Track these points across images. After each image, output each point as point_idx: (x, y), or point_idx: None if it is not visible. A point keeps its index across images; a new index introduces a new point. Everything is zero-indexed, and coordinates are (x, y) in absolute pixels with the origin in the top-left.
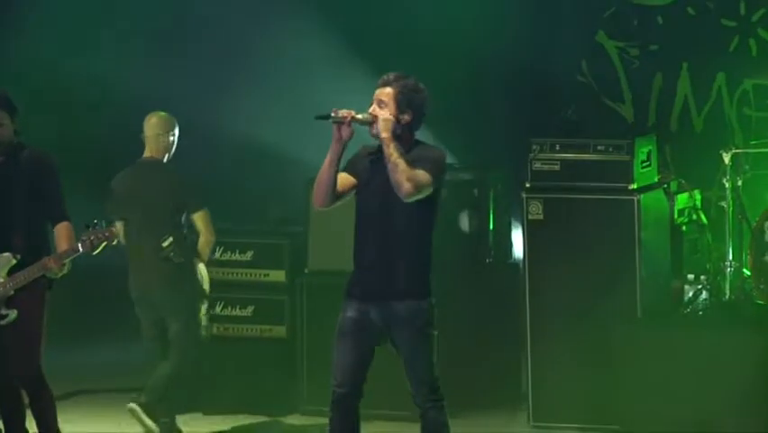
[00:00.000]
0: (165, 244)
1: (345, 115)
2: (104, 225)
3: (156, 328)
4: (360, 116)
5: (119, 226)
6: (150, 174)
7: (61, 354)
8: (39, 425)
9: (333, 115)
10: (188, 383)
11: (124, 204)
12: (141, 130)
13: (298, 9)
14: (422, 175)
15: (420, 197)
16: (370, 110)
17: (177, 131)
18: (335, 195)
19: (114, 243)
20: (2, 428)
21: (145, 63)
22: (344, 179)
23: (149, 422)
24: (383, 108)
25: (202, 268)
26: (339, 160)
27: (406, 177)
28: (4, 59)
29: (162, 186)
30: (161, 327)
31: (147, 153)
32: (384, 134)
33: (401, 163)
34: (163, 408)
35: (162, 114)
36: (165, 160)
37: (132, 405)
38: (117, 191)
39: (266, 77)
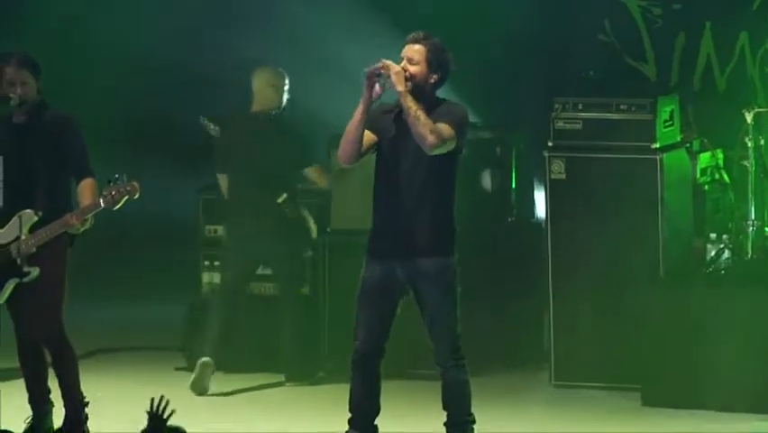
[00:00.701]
0: (280, 200)
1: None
2: (125, 179)
3: (240, 282)
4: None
5: (223, 180)
6: (261, 128)
7: (84, 311)
8: (61, 383)
9: (379, 69)
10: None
11: (231, 157)
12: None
13: None
14: (445, 128)
15: (444, 150)
16: (402, 65)
17: (287, 84)
18: (361, 152)
19: (136, 197)
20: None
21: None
22: (366, 136)
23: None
24: (414, 65)
25: (308, 216)
26: (366, 116)
27: (429, 129)
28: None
29: (275, 140)
30: (245, 281)
31: (256, 107)
32: (400, 87)
33: (422, 116)
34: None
35: (272, 68)
36: (274, 113)
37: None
38: (222, 144)
39: (291, 36)
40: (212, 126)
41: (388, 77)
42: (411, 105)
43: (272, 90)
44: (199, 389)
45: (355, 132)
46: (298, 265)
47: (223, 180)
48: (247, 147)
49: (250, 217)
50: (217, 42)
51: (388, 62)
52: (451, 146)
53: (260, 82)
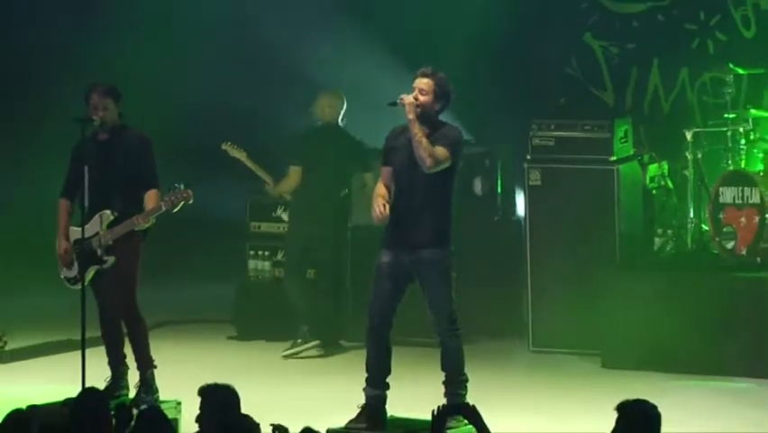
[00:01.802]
0: (342, 194)
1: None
2: (182, 187)
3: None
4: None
5: (295, 170)
6: (333, 136)
7: (153, 291)
8: (134, 349)
9: (399, 101)
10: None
11: (309, 156)
12: None
13: None
14: (441, 151)
15: (439, 169)
16: (414, 95)
17: (345, 103)
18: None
19: (191, 202)
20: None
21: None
22: (387, 172)
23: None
24: (424, 95)
25: None
26: None
27: (428, 153)
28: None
29: (344, 146)
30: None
31: (326, 120)
32: (410, 116)
33: (423, 141)
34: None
35: (333, 90)
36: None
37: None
38: (304, 145)
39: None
40: (236, 148)
41: (403, 106)
42: (417, 131)
43: (333, 108)
44: None
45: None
46: (342, 252)
47: (295, 172)
48: (323, 151)
49: (318, 207)
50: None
51: (404, 96)
52: (446, 165)
53: (323, 101)
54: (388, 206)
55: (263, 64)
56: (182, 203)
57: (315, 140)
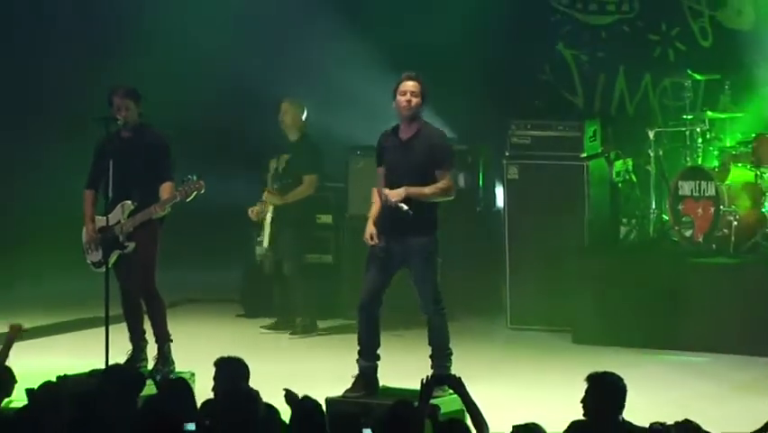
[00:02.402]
0: None
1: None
2: (195, 178)
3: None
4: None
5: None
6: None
7: (171, 273)
8: (152, 326)
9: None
10: None
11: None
12: None
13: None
14: (447, 182)
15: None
16: (405, 99)
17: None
18: None
19: (203, 192)
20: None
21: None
22: (382, 174)
23: None
24: (415, 97)
25: None
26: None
27: (442, 195)
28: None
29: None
30: None
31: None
32: (402, 197)
33: (434, 191)
34: None
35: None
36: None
37: None
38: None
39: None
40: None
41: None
42: (421, 194)
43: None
44: None
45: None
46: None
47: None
48: None
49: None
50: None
51: (387, 193)
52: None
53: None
54: (375, 236)
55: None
56: (195, 193)
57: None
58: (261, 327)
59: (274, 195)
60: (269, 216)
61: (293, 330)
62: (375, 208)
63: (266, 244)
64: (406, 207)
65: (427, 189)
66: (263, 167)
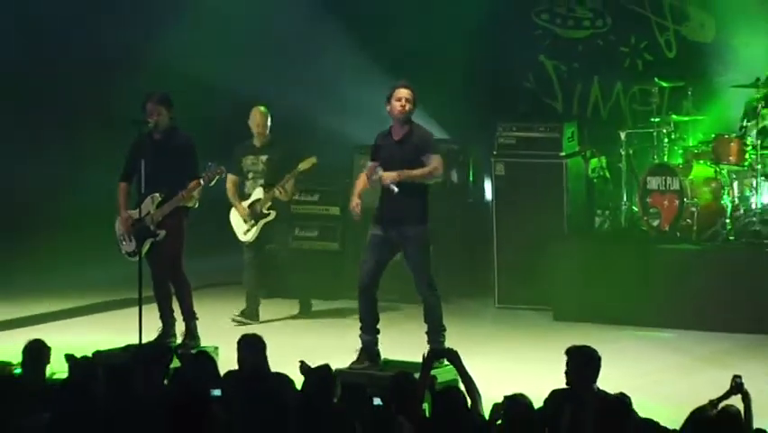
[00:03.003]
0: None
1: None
2: (215, 166)
3: None
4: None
5: None
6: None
7: (198, 259)
8: (180, 305)
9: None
10: None
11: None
12: None
13: None
14: (438, 162)
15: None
16: (400, 104)
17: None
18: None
19: (224, 176)
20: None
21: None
22: (373, 166)
23: None
24: (408, 103)
25: None
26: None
27: (434, 175)
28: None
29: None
30: None
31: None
32: (394, 179)
33: (424, 173)
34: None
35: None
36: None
37: None
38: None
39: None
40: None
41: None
42: (413, 176)
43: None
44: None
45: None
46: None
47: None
48: None
49: None
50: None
51: (382, 174)
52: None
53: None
54: (360, 205)
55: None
56: (217, 177)
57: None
58: (234, 316)
59: (282, 192)
60: (265, 211)
61: (239, 314)
62: (359, 184)
63: (252, 237)
64: (396, 189)
65: (416, 172)
66: (237, 167)
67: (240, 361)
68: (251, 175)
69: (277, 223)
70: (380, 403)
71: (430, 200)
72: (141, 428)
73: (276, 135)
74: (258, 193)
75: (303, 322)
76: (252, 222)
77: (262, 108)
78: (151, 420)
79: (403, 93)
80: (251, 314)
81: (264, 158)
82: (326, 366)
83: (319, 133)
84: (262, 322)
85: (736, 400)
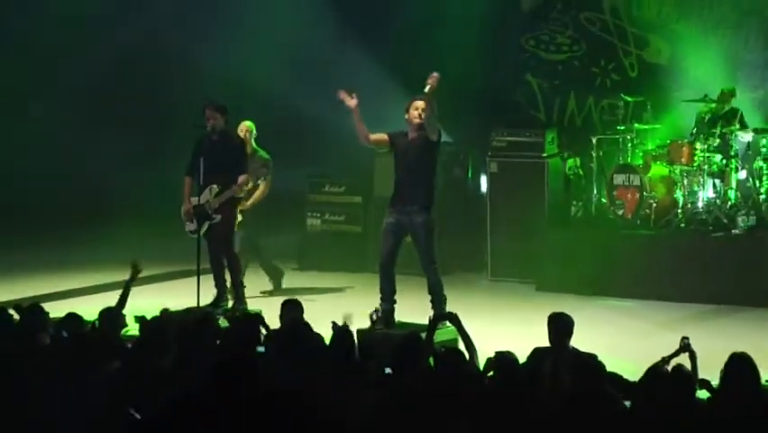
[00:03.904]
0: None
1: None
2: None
3: None
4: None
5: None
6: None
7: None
8: (231, 275)
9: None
10: None
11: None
12: None
13: None
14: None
15: (436, 132)
16: (417, 113)
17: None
18: (369, 140)
19: (268, 176)
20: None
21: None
22: (381, 136)
23: None
24: (423, 112)
25: None
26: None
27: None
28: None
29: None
30: None
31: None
32: (428, 93)
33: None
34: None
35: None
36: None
37: None
38: None
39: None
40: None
41: (431, 85)
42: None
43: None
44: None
45: (358, 126)
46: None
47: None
48: None
49: None
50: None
51: (430, 81)
52: (437, 126)
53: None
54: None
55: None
56: (261, 177)
57: None
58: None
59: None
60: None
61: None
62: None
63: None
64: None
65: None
66: None
67: (282, 319)
68: None
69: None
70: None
71: (436, 194)
72: (197, 380)
73: (256, 147)
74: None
75: (334, 289)
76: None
77: (248, 123)
78: (205, 373)
79: (418, 104)
80: (276, 285)
81: None
82: (346, 327)
83: (344, 135)
84: (285, 290)
85: (684, 358)
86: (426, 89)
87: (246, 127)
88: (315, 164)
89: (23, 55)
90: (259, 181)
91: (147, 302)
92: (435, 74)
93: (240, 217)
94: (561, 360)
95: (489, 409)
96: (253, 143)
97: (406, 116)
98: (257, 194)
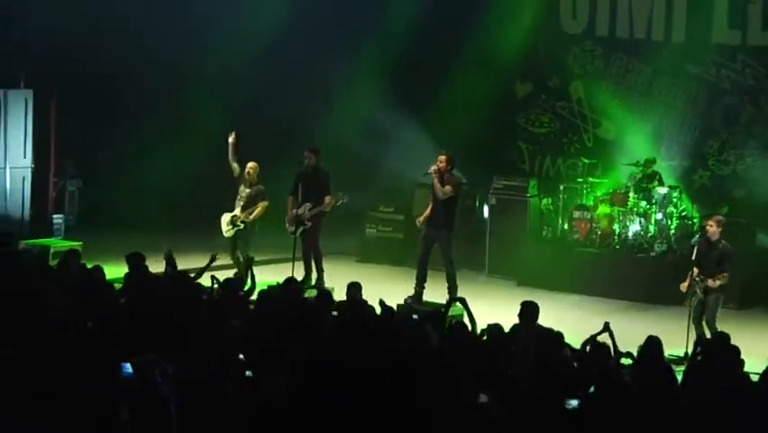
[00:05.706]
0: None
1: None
2: (342, 194)
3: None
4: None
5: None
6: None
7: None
8: (315, 263)
9: (431, 171)
10: None
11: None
12: None
13: None
14: (447, 189)
15: (448, 196)
16: (435, 167)
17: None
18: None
19: (346, 200)
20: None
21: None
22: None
23: None
24: (442, 164)
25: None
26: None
27: (442, 192)
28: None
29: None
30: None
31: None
32: (435, 177)
33: (439, 186)
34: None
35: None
36: None
37: None
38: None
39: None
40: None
41: (433, 173)
42: (437, 183)
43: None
44: None
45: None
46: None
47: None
48: None
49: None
50: None
51: (432, 168)
52: (451, 195)
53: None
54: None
55: None
56: (341, 201)
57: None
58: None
59: (247, 215)
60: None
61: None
62: (425, 212)
63: (230, 235)
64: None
65: (440, 186)
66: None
67: (347, 294)
68: (238, 199)
69: (245, 232)
70: (417, 318)
71: (456, 219)
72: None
73: (259, 180)
74: (236, 211)
75: (384, 277)
76: (231, 226)
77: (254, 163)
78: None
79: (441, 158)
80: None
81: (247, 191)
82: (382, 302)
83: (386, 170)
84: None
85: (606, 337)
86: (431, 170)
87: (254, 165)
88: (376, 190)
89: None
90: (259, 204)
91: (261, 277)
92: (432, 169)
93: (242, 226)
94: (529, 332)
95: (482, 360)
96: (255, 178)
97: (433, 167)
98: (256, 212)
